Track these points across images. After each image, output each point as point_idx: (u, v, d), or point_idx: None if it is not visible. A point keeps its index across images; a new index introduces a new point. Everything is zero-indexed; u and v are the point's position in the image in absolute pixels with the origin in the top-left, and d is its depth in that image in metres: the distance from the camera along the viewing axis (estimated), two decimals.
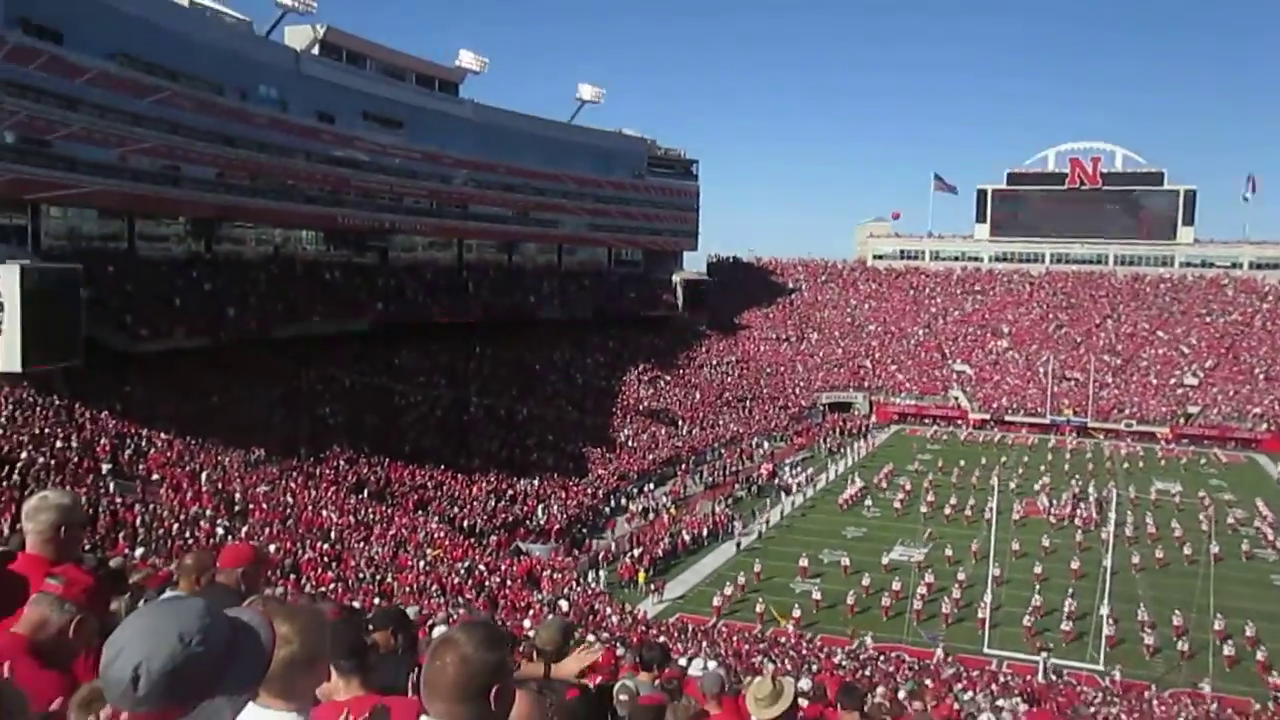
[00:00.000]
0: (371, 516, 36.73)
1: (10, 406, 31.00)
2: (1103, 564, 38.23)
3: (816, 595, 39.59)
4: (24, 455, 27.37)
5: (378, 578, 29.79)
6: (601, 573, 42.50)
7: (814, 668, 26.63)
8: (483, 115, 73.30)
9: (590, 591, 38.22)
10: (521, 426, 58.24)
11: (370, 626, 4.90)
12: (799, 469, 63.18)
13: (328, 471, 41.93)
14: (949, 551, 45.15)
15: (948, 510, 52.60)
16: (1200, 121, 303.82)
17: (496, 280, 73.79)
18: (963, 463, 62.20)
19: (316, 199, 60.19)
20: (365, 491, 41.19)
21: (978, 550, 43.29)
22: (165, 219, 53.12)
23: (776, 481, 59.62)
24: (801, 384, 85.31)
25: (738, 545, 46.80)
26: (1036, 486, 56.88)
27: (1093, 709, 27.77)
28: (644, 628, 33.25)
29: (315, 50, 61.00)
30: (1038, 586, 40.15)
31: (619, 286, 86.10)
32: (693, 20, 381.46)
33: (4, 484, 25.08)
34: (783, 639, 34.36)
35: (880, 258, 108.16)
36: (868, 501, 55.59)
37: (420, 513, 41.52)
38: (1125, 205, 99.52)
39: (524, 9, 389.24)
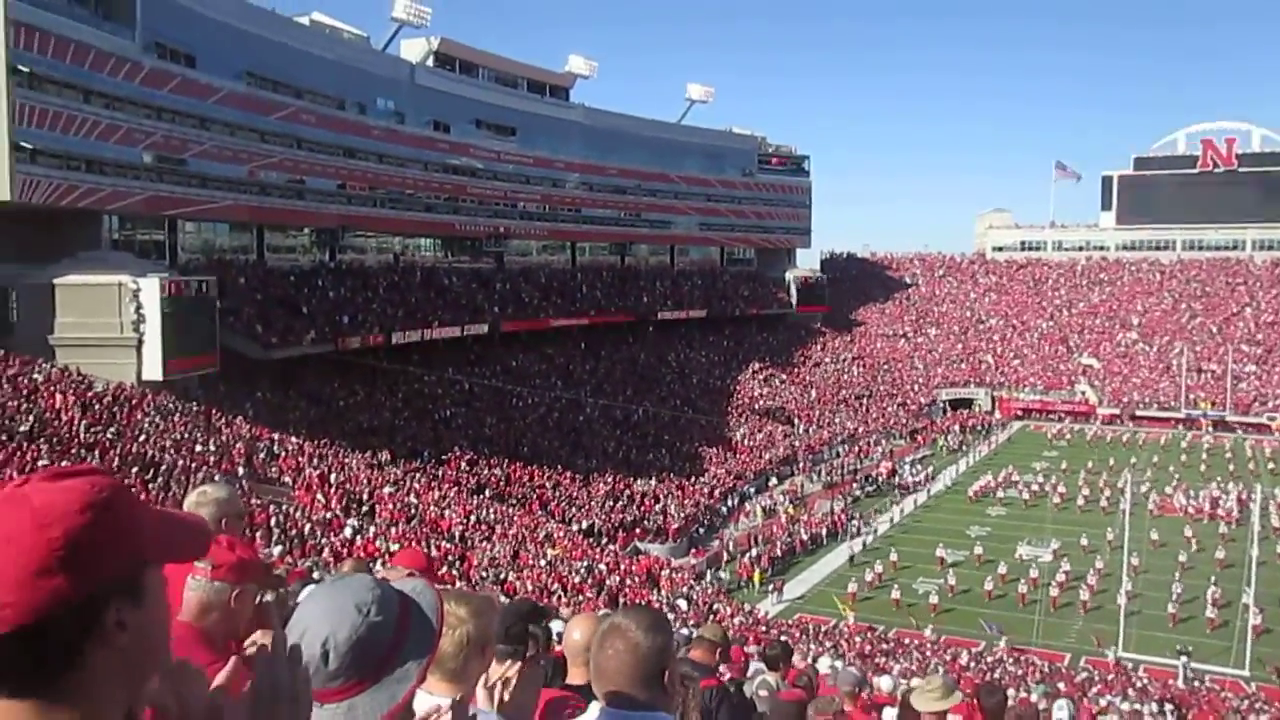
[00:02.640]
0: (492, 516, 37.37)
1: (153, 413, 32.52)
2: (1248, 553, 36.69)
3: (934, 599, 38.90)
4: (166, 459, 28.69)
5: (500, 576, 30.29)
6: (720, 573, 42.43)
7: (941, 670, 26.06)
8: (593, 118, 73.98)
9: (709, 591, 38.20)
10: (637, 427, 58.57)
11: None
12: (919, 467, 61.93)
13: (449, 472, 42.86)
14: (1084, 541, 44.12)
15: (1080, 502, 51.31)
16: None
17: (610, 282, 74.33)
18: (1091, 461, 59.97)
19: (434, 207, 61.66)
20: (486, 492, 41.98)
21: (1113, 540, 41.92)
22: (291, 230, 55.06)
23: (896, 480, 58.58)
24: (920, 380, 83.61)
25: (862, 545, 46.03)
26: (1171, 484, 54.45)
27: (1239, 716, 26.46)
28: (764, 628, 33.06)
29: (430, 62, 62.44)
30: (1178, 574, 38.92)
31: (732, 285, 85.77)
32: (802, 15, 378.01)
33: (150, 487, 26.32)
34: (907, 640, 33.73)
35: (1000, 249, 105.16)
36: (1000, 494, 54.24)
37: (541, 513, 42.09)
38: (1264, 187, 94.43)
39: (632, 11, 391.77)
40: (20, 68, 36.38)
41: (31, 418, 27.55)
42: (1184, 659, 31.88)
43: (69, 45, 38.42)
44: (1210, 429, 72.39)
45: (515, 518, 38.78)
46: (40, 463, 24.72)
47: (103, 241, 41.68)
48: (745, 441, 61.94)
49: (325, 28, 56.74)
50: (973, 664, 29.56)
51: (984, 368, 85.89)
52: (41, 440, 26.48)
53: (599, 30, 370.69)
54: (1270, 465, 61.20)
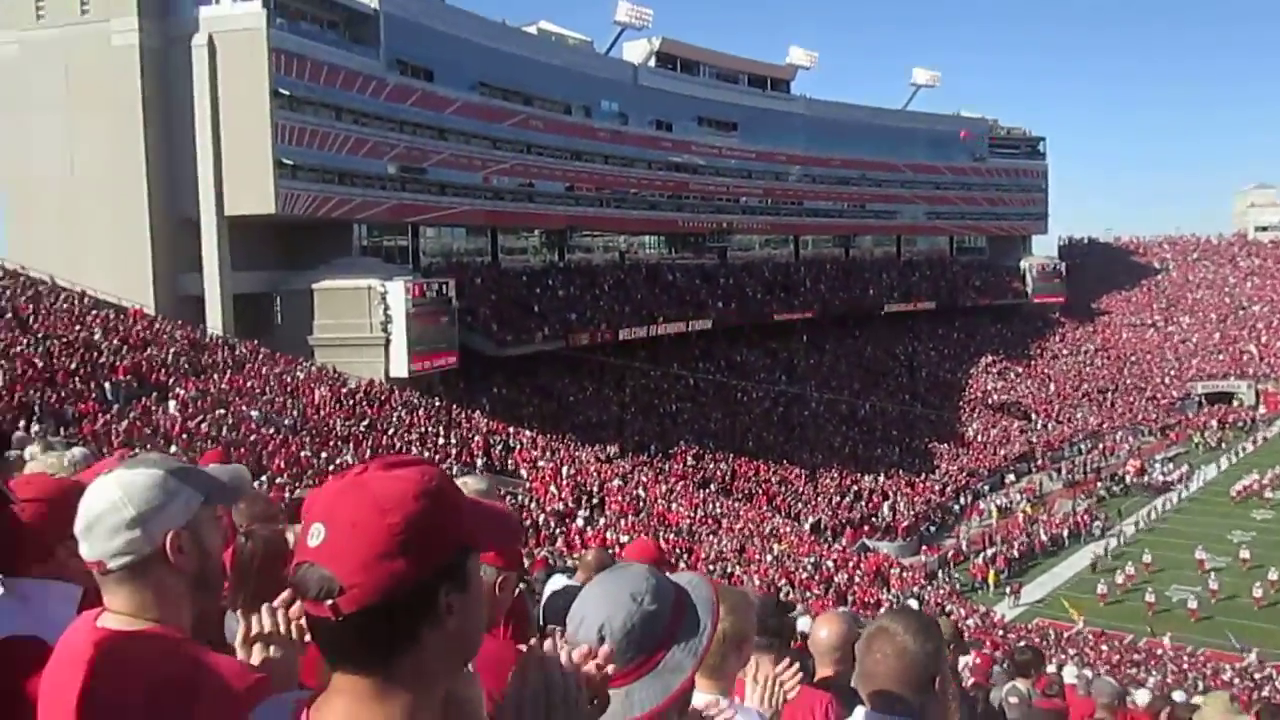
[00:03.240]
0: (718, 510, 37.57)
1: (400, 408, 34.61)
2: None
3: (1193, 604, 36.15)
4: (412, 451, 30.44)
5: (727, 570, 30.40)
6: (952, 573, 41.01)
7: (1200, 685, 24.16)
8: (815, 110, 73.01)
9: (941, 591, 36.99)
10: (864, 422, 57.42)
11: None
12: (1171, 466, 57.56)
13: (676, 466, 43.40)
14: None
15: None
16: None
17: (834, 275, 73.12)
18: None
19: (657, 205, 62.59)
20: (712, 486, 42.24)
21: None
22: (522, 232, 57.25)
23: (1145, 479, 54.70)
24: (1171, 373, 77.70)
25: (1105, 548, 43.33)
26: None
27: None
28: (1001, 632, 31.67)
29: (651, 62, 63.40)
30: None
31: (963, 275, 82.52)
32: None
33: None
34: (1160, 650, 31.49)
35: (1264, 229, 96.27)
36: (1268, 495, 49.80)
37: (766, 508, 41.96)
38: None
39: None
40: (281, 91, 39.63)
41: (295, 412, 29.87)
42: None
43: (323, 68, 41.53)
44: None
45: (741, 512, 38.85)
46: (303, 454, 26.79)
47: (353, 248, 44.77)
48: (978, 437, 59.57)
49: (551, 35, 58.72)
50: (1237, 680, 27.23)
51: (1246, 359, 78.81)
52: (304, 433, 28.67)
53: (819, 20, 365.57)
54: None
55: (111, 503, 1.71)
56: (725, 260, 68.30)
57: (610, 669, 1.54)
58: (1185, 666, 30.03)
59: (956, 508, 49.47)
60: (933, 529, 46.25)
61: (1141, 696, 10.43)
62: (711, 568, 30.27)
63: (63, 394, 24.56)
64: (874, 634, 2.37)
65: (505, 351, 45.93)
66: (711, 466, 44.84)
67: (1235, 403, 74.55)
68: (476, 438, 34.68)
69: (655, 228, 64.45)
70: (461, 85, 49.55)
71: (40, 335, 27.94)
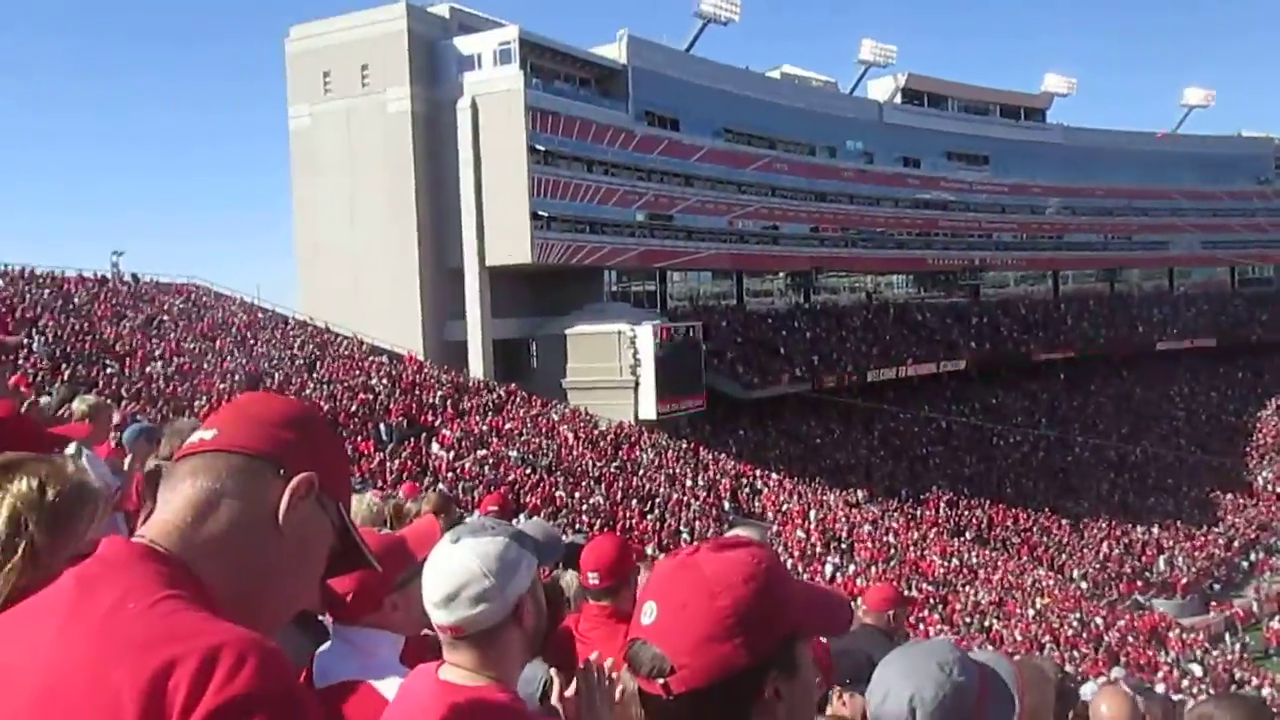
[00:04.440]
0: (975, 560, 35.92)
1: (649, 449, 35.28)
2: None
3: None
4: (661, 492, 30.95)
5: (985, 624, 28.98)
6: (1244, 636, 37.27)
7: None
8: (1072, 138, 69.37)
9: (1229, 657, 33.69)
10: (1135, 468, 53.44)
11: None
12: None
13: (928, 513, 41.90)
14: None
15: None
16: None
17: (1097, 311, 68.80)
18: None
19: (905, 243, 61.19)
20: (967, 534, 40.46)
21: None
22: (767, 274, 57.35)
23: None
24: None
25: None
26: None
27: None
28: None
29: (897, 99, 62.36)
30: None
31: (1246, 309, 75.64)
32: None
33: (647, 518, 28.50)
34: None
35: None
36: None
37: (1027, 559, 39.73)
38: None
39: (1113, 21, 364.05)
40: (537, 146, 41.76)
41: (550, 452, 31.05)
42: None
43: (575, 123, 43.51)
44: None
45: (999, 563, 36.96)
46: (557, 493, 27.76)
47: (604, 294, 46.27)
48: (1269, 488, 54.09)
49: (795, 78, 58.92)
50: None
51: None
52: (559, 472, 29.74)
53: (1079, 44, 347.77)
54: None
55: (472, 574, 1.80)
56: (978, 298, 65.77)
57: None
58: None
59: (1245, 564, 45.03)
60: (1216, 587, 42.28)
61: None
62: (969, 620, 28.94)
63: (343, 434, 26.59)
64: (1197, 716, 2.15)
65: (752, 394, 45.99)
66: (966, 514, 42.97)
67: None
68: (724, 479, 34.83)
69: (903, 267, 62.97)
70: (706, 132, 50.50)
71: (325, 380, 30.47)
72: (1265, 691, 29.12)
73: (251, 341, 32.37)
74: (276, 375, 29.16)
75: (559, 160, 43.42)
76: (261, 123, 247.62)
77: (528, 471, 28.91)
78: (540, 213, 41.87)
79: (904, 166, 61.36)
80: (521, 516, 23.60)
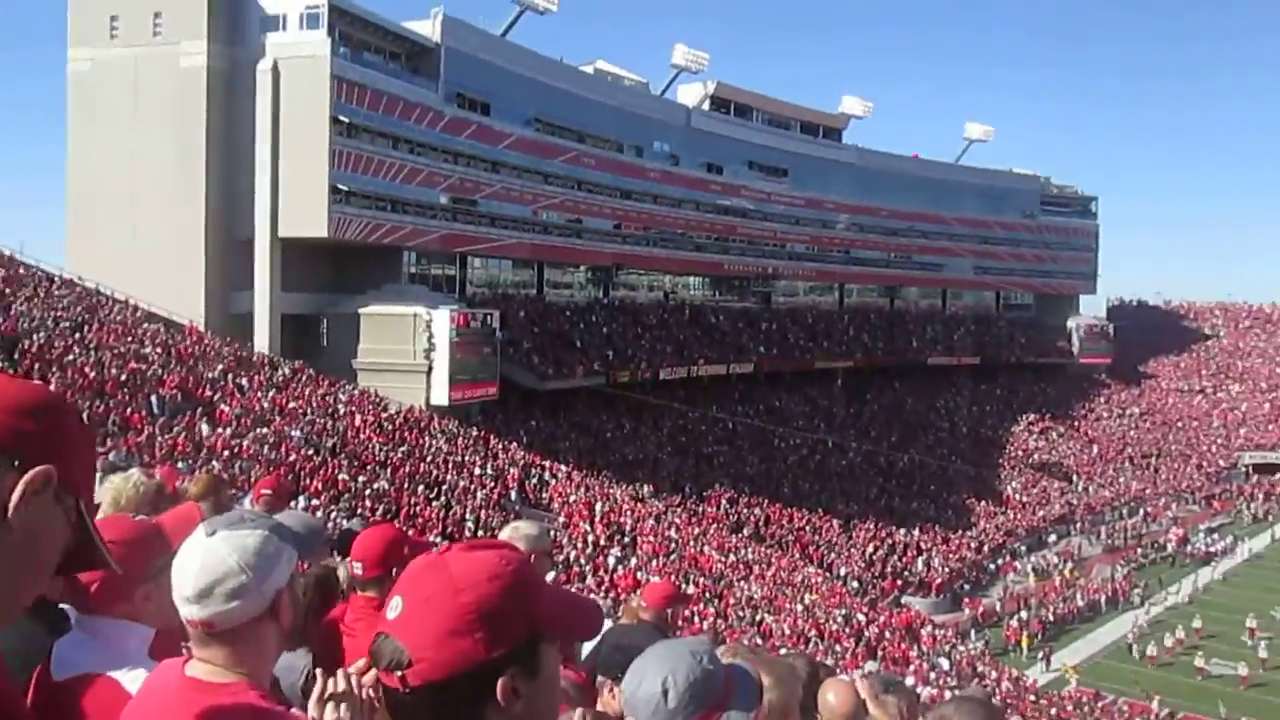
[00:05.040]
0: (751, 556, 37.28)
1: (439, 435, 34.80)
2: None
3: (1244, 671, 35.52)
4: (448, 479, 30.59)
5: (756, 618, 30.13)
6: (985, 633, 40.32)
7: None
8: (865, 159, 73.08)
9: (973, 652, 36.37)
10: (902, 474, 56.85)
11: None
12: (1215, 536, 56.34)
13: (710, 509, 43.18)
14: None
15: None
16: None
17: (877, 324, 72.81)
18: None
19: (704, 246, 62.76)
20: (745, 531, 41.96)
21: None
22: (569, 267, 57.62)
23: (1189, 548, 53.59)
24: (1219, 441, 76.28)
25: (1146, 616, 42.38)
26: None
27: None
28: (1034, 697, 31.09)
29: (705, 105, 63.89)
30: None
31: (1007, 331, 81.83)
32: (1088, 51, 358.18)
33: (432, 505, 28.12)
34: None
35: None
36: None
37: (799, 556, 41.58)
38: None
39: (909, 53, 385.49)
40: (340, 118, 40.37)
41: (335, 434, 30.13)
42: None
43: (382, 97, 42.29)
44: None
45: (774, 559, 38.52)
46: (340, 476, 27.00)
47: (402, 275, 45.29)
48: (1017, 496, 58.74)
49: (608, 75, 59.40)
50: None
51: None
52: (343, 455, 28.90)
53: (875, 71, 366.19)
54: None
55: (229, 568, 1.75)
56: (769, 305, 68.27)
57: None
58: None
59: (992, 567, 48.71)
60: (967, 586, 45.55)
61: None
62: (742, 614, 30.01)
63: (110, 405, 24.93)
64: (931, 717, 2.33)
65: (546, 385, 46.12)
66: (746, 511, 44.56)
67: None
68: (512, 469, 34.76)
69: (701, 269, 64.59)
70: (516, 120, 50.21)
71: (92, 345, 28.46)
72: (1004, 685, 31.59)
73: (10, 299, 29.82)
74: (36, 338, 26.99)
75: (363, 134, 42.13)
76: (38, 61, 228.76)
77: (310, 453, 27.96)
78: (340, 186, 40.51)
79: (708, 172, 62.94)
80: (302, 499, 22.85)
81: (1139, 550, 53.46)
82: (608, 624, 6.01)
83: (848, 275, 74.06)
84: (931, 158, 79.18)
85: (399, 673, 1.30)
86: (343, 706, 1.71)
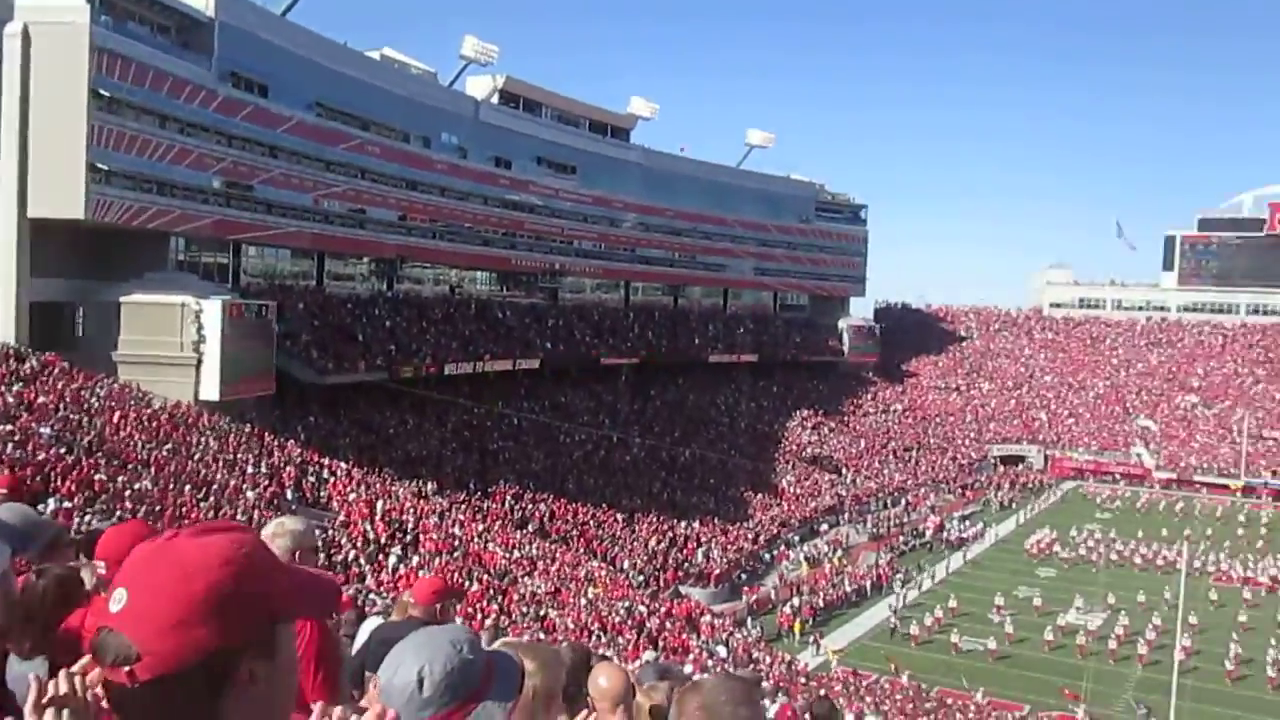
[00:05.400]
0: (535, 551, 37.35)
1: (208, 432, 33.05)
2: None
3: (993, 645, 39.02)
4: (218, 478, 29.10)
5: (540, 613, 30.21)
6: (760, 621, 41.97)
7: None
8: (652, 160, 74.60)
9: (748, 639, 37.77)
10: (683, 469, 58.35)
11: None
12: (968, 523, 60.88)
13: (495, 506, 42.96)
14: (1141, 599, 44.43)
15: (1138, 561, 52.11)
16: None
17: (662, 322, 74.48)
18: (1143, 530, 58.30)
19: (491, 241, 62.33)
20: (530, 527, 41.99)
21: (1170, 598, 42.20)
22: (351, 259, 55.92)
23: (944, 535, 57.66)
24: (972, 435, 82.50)
25: (903, 599, 45.20)
26: (1229, 555, 53.20)
27: None
28: (804, 679, 32.58)
29: (495, 99, 63.44)
30: (1236, 635, 39.54)
31: (784, 331, 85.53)
32: (863, 65, 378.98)
33: (200, 505, 26.67)
34: (950, 700, 33.01)
35: (1058, 306, 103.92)
36: (1052, 554, 53.67)
37: (583, 551, 41.97)
38: None
39: (695, 57, 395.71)
40: (101, 92, 37.54)
41: (92, 431, 28.11)
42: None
43: (148, 72, 39.60)
44: (1270, 499, 70.51)
45: (558, 554, 38.73)
46: (97, 476, 25.22)
47: (169, 262, 42.65)
48: (792, 489, 61.45)
49: (395, 63, 57.96)
50: None
51: (1037, 425, 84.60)
52: (99, 454, 26.99)
53: (662, 74, 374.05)
54: None
55: None
56: (556, 301, 68.57)
57: None
58: (972, 715, 31.60)
59: (768, 556, 50.73)
60: (744, 577, 47.25)
61: None
62: (526, 609, 30.01)
63: None
64: (688, 694, 2.35)
65: (325, 380, 44.61)
66: (531, 507, 44.58)
67: (1026, 466, 79.71)
68: (289, 468, 33.43)
69: (488, 264, 64.12)
70: (297, 104, 48.25)
71: None
72: (777, 669, 32.93)
73: None
74: None
75: (127, 110, 39.26)
76: None
77: (62, 451, 25.95)
78: (100, 165, 37.62)
79: (496, 166, 62.53)
80: (52, 501, 21.22)
81: (900, 538, 57.04)
82: (378, 621, 5.93)
83: (634, 273, 75.39)
84: (717, 161, 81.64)
85: (126, 668, 1.24)
86: (65, 712, 1.62)
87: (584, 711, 2.88)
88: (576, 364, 62.56)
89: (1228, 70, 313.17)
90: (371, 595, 23.48)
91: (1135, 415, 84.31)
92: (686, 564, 45.49)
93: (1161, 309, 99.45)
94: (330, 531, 29.17)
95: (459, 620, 19.37)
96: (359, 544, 29.67)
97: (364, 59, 54.38)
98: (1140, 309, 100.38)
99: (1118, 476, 77.59)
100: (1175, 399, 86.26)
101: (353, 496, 33.68)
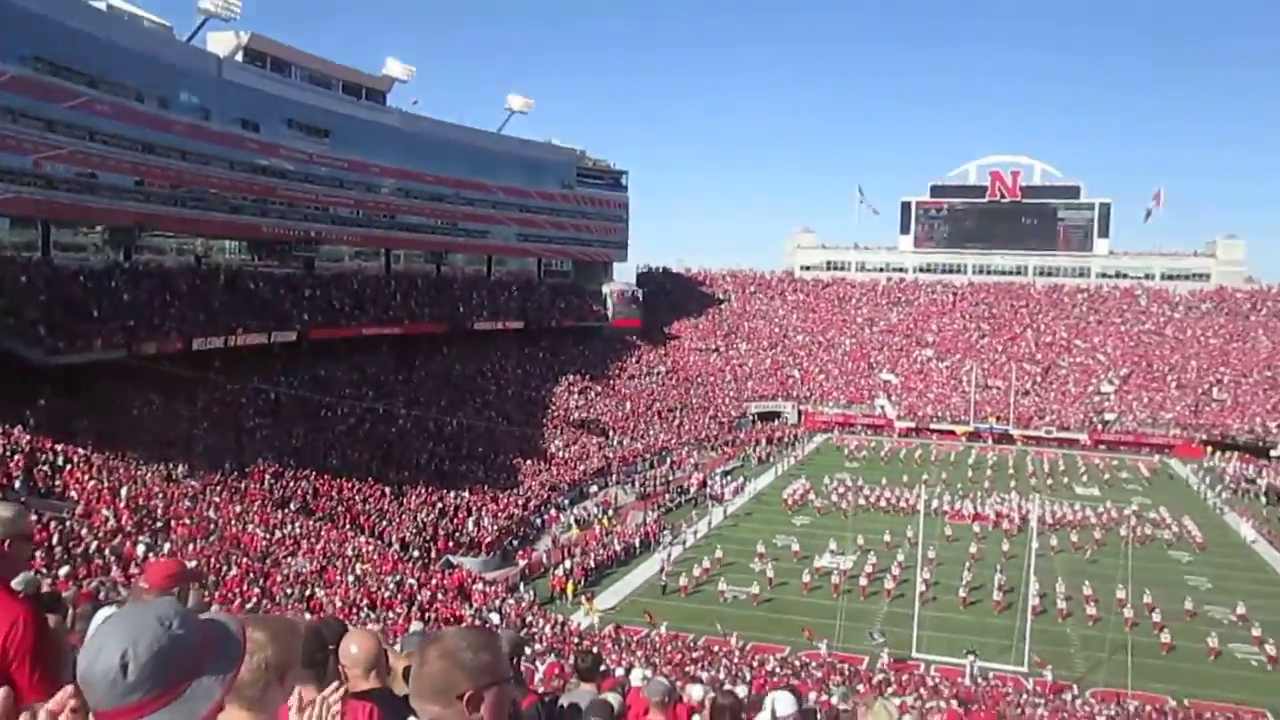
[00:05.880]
0: (298, 531, 36.08)
1: None
2: (1030, 546, 41.61)
3: (756, 590, 41.30)
4: None
5: (306, 593, 29.26)
6: (533, 585, 42.33)
7: (747, 675, 26.81)
8: (410, 124, 72.78)
9: (522, 604, 38.03)
10: (451, 438, 57.73)
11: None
12: (729, 478, 63.59)
13: (253, 486, 41.11)
14: (887, 538, 48.27)
15: (882, 504, 56.18)
16: (1114, 138, 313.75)
17: (425, 291, 73.16)
18: (885, 478, 62.82)
19: (240, 208, 59.12)
20: (292, 505, 40.47)
21: (912, 537, 45.41)
22: (81, 227, 51.67)
23: (707, 491, 59.95)
24: (731, 394, 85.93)
25: (670, 555, 46.69)
26: (961, 496, 58.20)
27: (1019, 710, 28.35)
28: (577, 639, 33.17)
29: (239, 57, 59.95)
30: (969, 564, 43.73)
31: (549, 297, 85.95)
32: (621, 31, 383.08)
33: None
34: (716, 647, 34.50)
35: (807, 268, 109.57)
36: (807, 503, 56.86)
37: (349, 527, 40.90)
38: (1043, 218, 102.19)
39: (452, 18, 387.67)
40: None
41: None
42: (971, 658, 33.94)
43: None
44: (993, 442, 77.50)
45: (323, 531, 37.57)
46: None
47: None
48: (560, 453, 62.06)
49: (124, 14, 53.65)
50: (778, 669, 30.53)
51: (791, 382, 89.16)
52: None
53: (418, 36, 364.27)
54: (1049, 476, 66.19)
55: None
56: (312, 270, 65.99)
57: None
58: (738, 661, 33.16)
59: (539, 521, 51.13)
60: (515, 543, 47.43)
61: (695, 691, 11.44)
62: (290, 590, 28.99)
63: None
64: (427, 644, 2.33)
65: (56, 360, 41.11)
66: (292, 485, 42.94)
67: (781, 420, 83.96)
68: (17, 456, 30.71)
69: (237, 232, 60.85)
70: (10, 57, 43.87)
71: None
72: (549, 630, 33.35)
73: None
74: None
75: None
76: None
77: None
78: None
79: (242, 128, 59.22)
80: None
81: (667, 496, 58.85)
82: (111, 610, 5.61)
83: (394, 241, 73.59)
84: (477, 126, 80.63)
85: None
86: None
87: (335, 683, 2.84)
88: (337, 335, 60.52)
89: (957, 46, 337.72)
90: (119, 587, 22.04)
91: (878, 370, 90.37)
92: (457, 534, 45.18)
93: (900, 270, 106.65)
94: (68, 522, 27.07)
95: (216, 607, 18.49)
96: (101, 534, 27.70)
97: (89, 9, 49.99)
98: (881, 270, 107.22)
99: (864, 428, 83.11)
100: (913, 354, 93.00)
101: (92, 484, 31.36)
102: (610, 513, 54.06)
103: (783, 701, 7.37)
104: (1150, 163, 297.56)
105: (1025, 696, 30.87)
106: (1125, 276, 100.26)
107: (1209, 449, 73.71)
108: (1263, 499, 61.47)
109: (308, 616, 24.30)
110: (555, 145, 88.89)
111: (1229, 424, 76.72)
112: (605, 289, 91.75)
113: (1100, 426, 79.18)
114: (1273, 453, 71.10)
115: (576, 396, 73.19)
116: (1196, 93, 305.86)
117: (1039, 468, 69.02)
